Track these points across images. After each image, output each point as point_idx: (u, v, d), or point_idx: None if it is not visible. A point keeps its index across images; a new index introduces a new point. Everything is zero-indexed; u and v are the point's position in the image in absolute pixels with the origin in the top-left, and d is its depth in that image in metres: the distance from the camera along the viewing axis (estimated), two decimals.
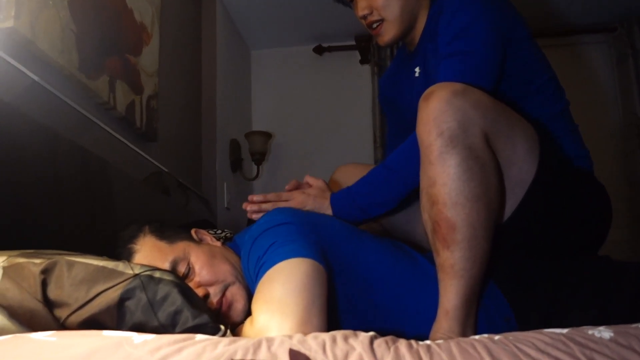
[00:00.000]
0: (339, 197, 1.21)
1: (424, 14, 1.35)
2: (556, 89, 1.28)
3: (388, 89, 1.55)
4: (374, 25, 1.35)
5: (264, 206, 1.21)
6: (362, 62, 3.35)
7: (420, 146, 1.02)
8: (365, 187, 1.19)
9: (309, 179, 1.29)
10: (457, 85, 1.02)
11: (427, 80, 1.27)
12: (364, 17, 1.35)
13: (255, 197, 1.22)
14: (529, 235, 1.12)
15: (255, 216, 1.20)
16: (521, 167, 1.07)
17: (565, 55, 3.23)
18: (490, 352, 0.65)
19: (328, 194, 1.24)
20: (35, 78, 1.29)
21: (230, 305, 1.03)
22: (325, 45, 3.38)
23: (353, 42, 3.30)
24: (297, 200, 1.22)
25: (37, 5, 1.32)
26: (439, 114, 0.98)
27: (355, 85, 3.33)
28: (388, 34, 1.35)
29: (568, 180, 1.17)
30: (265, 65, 3.46)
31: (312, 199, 1.22)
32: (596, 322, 0.73)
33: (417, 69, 1.38)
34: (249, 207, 1.21)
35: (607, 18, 3.15)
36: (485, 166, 0.99)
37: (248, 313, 0.99)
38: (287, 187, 1.28)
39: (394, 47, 3.01)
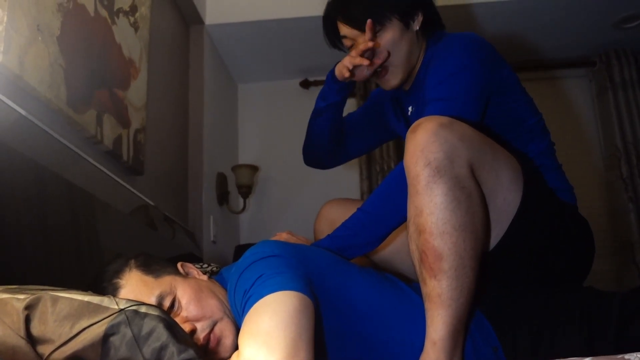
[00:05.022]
0: (321, 243, 1.23)
1: (421, 56, 1.39)
2: (543, 129, 1.31)
3: (381, 102, 1.59)
4: (378, 69, 1.36)
5: None
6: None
7: (407, 176, 1.03)
8: (344, 231, 1.21)
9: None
10: (444, 118, 1.04)
11: None
12: None
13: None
14: (515, 265, 1.13)
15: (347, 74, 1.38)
16: (506, 197, 1.09)
17: (547, 88, 3.30)
18: None
19: (310, 242, 1.29)
20: (23, 112, 1.29)
21: (219, 341, 1.01)
22: (311, 79, 3.42)
23: None
24: (282, 239, 1.29)
25: (26, 40, 1.33)
26: (426, 145, 0.99)
27: None
28: (395, 78, 1.37)
29: (552, 211, 1.18)
30: (252, 99, 3.48)
31: (296, 239, 1.30)
32: (582, 353, 0.73)
33: (410, 108, 1.40)
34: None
35: (587, 52, 3.24)
36: (471, 196, 1.00)
37: (236, 348, 0.98)
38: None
39: None
